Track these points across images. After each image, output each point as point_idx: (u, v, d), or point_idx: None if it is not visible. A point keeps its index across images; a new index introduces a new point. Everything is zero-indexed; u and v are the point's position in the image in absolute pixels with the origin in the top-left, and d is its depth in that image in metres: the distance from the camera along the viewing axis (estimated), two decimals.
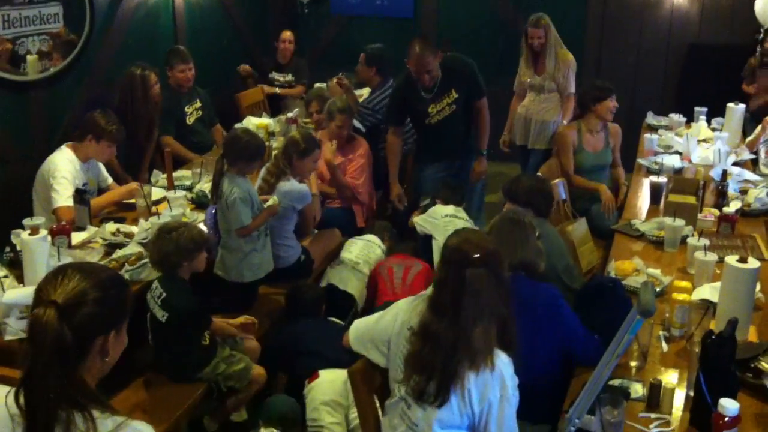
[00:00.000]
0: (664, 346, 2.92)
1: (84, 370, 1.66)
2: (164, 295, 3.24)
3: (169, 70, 5.62)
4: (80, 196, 4.07)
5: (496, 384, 2.27)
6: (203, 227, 4.07)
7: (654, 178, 4.61)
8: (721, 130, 5.70)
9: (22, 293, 3.13)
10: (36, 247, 3.32)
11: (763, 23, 6.37)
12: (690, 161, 5.22)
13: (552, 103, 5.75)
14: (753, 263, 2.90)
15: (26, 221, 3.67)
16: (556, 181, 4.65)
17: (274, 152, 4.63)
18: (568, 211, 4.67)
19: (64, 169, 4.22)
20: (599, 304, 2.99)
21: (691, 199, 4.19)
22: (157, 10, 6.43)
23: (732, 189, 4.53)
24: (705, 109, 6.13)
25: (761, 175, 4.98)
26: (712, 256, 3.38)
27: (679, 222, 3.82)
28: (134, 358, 3.40)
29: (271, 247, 4.07)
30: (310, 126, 6.03)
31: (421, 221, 4.63)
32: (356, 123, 5.61)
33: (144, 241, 3.79)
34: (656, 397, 2.53)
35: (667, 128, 6.08)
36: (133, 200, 4.40)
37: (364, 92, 6.07)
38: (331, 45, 8.32)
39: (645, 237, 3.96)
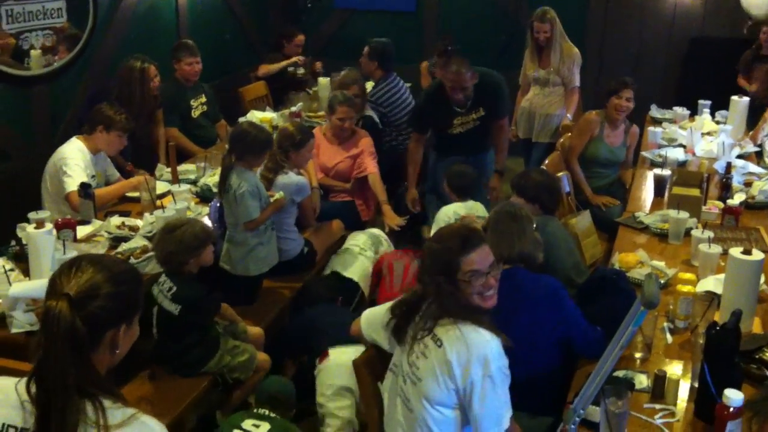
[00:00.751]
0: (669, 337, 2.92)
1: (95, 361, 1.67)
2: (174, 288, 3.24)
3: (176, 62, 5.62)
4: (84, 190, 4.08)
5: (478, 362, 2.29)
6: (207, 221, 4.09)
7: (658, 171, 4.61)
8: (725, 123, 5.70)
9: (28, 286, 3.14)
10: (41, 240, 3.33)
11: (749, 13, 6.38)
12: (694, 154, 5.22)
13: (556, 97, 5.75)
14: (757, 255, 2.91)
15: (31, 215, 3.69)
16: (560, 174, 4.65)
17: None
18: (572, 204, 4.67)
19: (75, 157, 4.25)
20: (602, 296, 3.00)
21: (695, 192, 4.19)
22: (159, 3, 6.44)
23: (736, 181, 4.53)
24: (709, 102, 6.12)
25: (765, 167, 4.97)
26: (716, 248, 3.38)
27: (683, 214, 3.82)
28: (139, 350, 3.41)
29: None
30: (315, 120, 6.04)
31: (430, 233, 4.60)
32: (372, 114, 5.63)
33: (149, 234, 3.80)
34: (661, 388, 2.54)
35: (671, 121, 6.08)
36: (137, 194, 4.41)
37: (368, 86, 6.06)
38: (332, 38, 8.31)
39: (649, 229, 3.97)
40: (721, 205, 4.13)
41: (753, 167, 4.90)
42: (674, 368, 2.70)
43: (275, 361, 3.63)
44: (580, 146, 4.98)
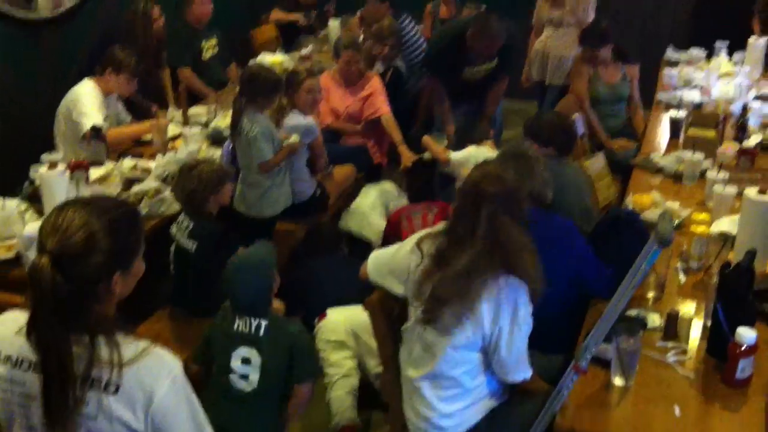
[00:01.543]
0: (682, 278, 2.92)
1: (99, 304, 1.62)
2: (191, 225, 3.25)
3: (187, 4, 5.55)
4: (95, 132, 4.08)
5: (507, 309, 2.29)
6: (225, 164, 4.08)
7: (673, 113, 4.56)
8: (742, 64, 5.61)
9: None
10: (54, 181, 3.34)
11: None
12: (710, 96, 5.13)
13: (570, 38, 5.66)
14: None
15: (44, 156, 3.69)
16: (574, 116, 4.60)
17: None
18: (587, 146, 4.63)
19: (89, 96, 4.23)
20: (616, 237, 2.99)
21: (711, 134, 4.15)
22: None
23: (752, 123, 4.47)
24: (726, 43, 6.02)
25: None
26: (731, 189, 3.36)
27: (699, 156, 3.79)
28: (157, 290, 3.44)
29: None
30: (324, 63, 5.98)
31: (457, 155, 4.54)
32: (401, 66, 5.58)
33: (162, 176, 3.81)
34: (673, 327, 2.55)
35: (688, 63, 5.98)
36: (149, 136, 4.40)
37: None
38: None
39: (664, 171, 3.94)
40: (736, 146, 4.08)
41: None
42: (687, 308, 2.70)
43: None
44: (584, 89, 4.91)
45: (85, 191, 3.50)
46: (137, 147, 4.45)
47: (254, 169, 3.87)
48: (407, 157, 4.81)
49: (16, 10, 4.76)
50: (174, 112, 4.90)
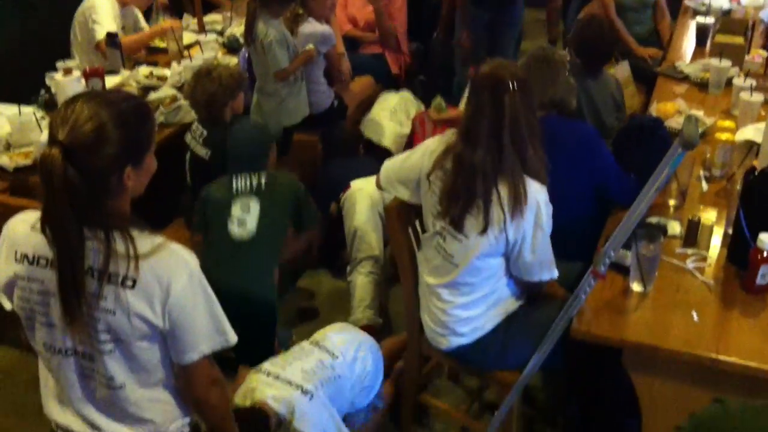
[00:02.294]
0: (704, 186, 2.88)
1: (111, 198, 1.61)
2: (206, 133, 3.23)
3: None
4: (111, 39, 4.02)
5: (531, 211, 2.26)
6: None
7: (701, 19, 4.43)
8: None
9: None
10: (70, 87, 3.33)
11: None
12: (739, 2, 4.98)
13: None
14: None
15: (59, 63, 3.65)
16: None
17: None
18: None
19: (104, 6, 4.15)
20: (638, 145, 2.93)
21: (739, 40, 4.03)
22: None
23: None
24: None
25: None
26: (758, 97, 3.28)
27: (726, 63, 3.69)
28: (174, 199, 3.45)
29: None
30: None
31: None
32: None
33: (178, 84, 3.77)
34: (694, 235, 2.52)
35: None
36: (164, 44, 4.34)
37: None
38: None
39: (689, 79, 3.85)
40: (765, 54, 3.97)
41: None
42: (708, 216, 2.66)
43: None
44: None
45: None
46: (152, 55, 4.39)
47: (270, 77, 3.81)
48: None
49: None
50: (189, 20, 4.82)
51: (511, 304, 2.46)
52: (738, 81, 3.48)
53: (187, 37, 4.48)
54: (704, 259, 2.45)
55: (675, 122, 3.28)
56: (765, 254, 2.23)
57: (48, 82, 3.62)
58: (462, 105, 4.14)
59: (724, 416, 1.19)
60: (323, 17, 4.14)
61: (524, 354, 2.36)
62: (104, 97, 1.63)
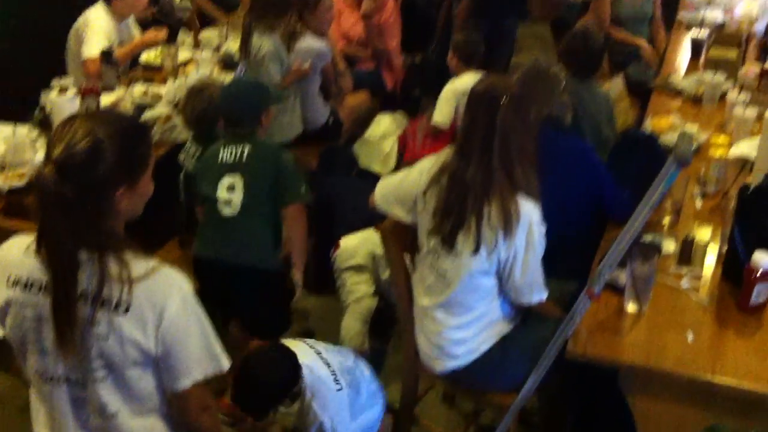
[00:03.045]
0: (699, 203, 2.88)
1: (107, 218, 1.61)
2: (200, 150, 3.23)
3: None
4: (107, 56, 4.02)
5: (523, 229, 2.26)
6: None
7: (695, 33, 4.44)
8: None
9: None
10: (65, 106, 3.32)
11: None
12: (733, 15, 4.99)
13: None
14: None
15: (55, 81, 3.65)
16: None
17: None
18: (605, 68, 4.52)
19: (98, 21, 4.13)
20: (633, 159, 2.94)
21: (733, 54, 4.05)
22: None
23: None
24: None
25: None
26: (752, 112, 3.28)
27: (719, 77, 3.70)
28: (168, 219, 3.44)
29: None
30: None
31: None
32: None
33: (173, 102, 3.76)
34: (688, 253, 2.52)
35: None
36: (159, 61, 4.33)
37: None
38: None
39: (684, 93, 3.85)
40: (759, 67, 3.97)
41: None
42: (703, 233, 2.67)
43: None
44: (607, 7, 4.75)
45: None
46: (148, 72, 4.39)
47: None
48: None
49: None
50: (185, 36, 4.82)
51: (505, 326, 2.46)
52: (732, 95, 3.49)
53: (183, 54, 4.47)
54: (699, 277, 2.45)
55: (669, 137, 3.28)
56: (760, 273, 2.23)
57: (43, 100, 3.62)
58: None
59: None
60: (321, 32, 4.15)
61: (519, 376, 2.36)
62: (102, 116, 1.66)
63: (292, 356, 2.47)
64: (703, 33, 4.41)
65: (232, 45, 4.55)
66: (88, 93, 3.63)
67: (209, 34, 4.90)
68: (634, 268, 2.28)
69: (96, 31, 4.09)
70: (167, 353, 1.63)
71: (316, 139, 4.19)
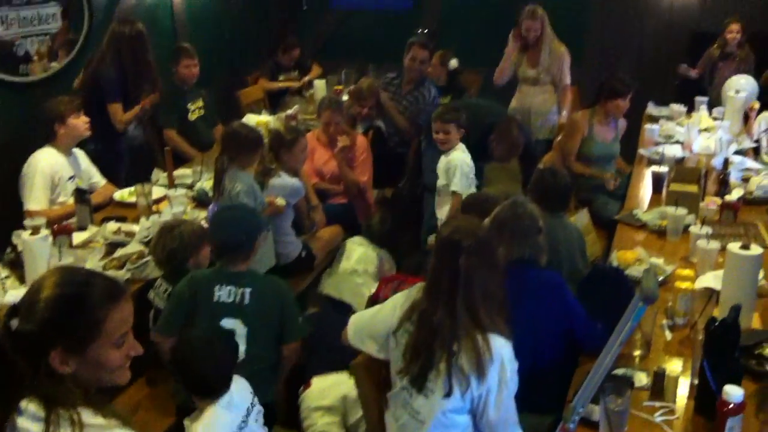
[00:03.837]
0: (668, 334, 2.91)
1: (49, 377, 1.57)
2: (170, 289, 3.23)
3: (174, 66, 5.61)
4: (81, 195, 4.06)
5: (495, 368, 2.27)
6: (206, 226, 4.07)
7: (656, 168, 4.60)
8: (722, 119, 5.68)
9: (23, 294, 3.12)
10: (37, 247, 3.32)
11: None
12: (691, 150, 5.20)
13: (549, 94, 5.73)
14: (756, 250, 2.89)
15: (27, 221, 3.66)
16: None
17: None
18: (570, 202, 4.65)
19: (40, 167, 4.17)
20: (601, 293, 2.98)
21: (693, 188, 4.18)
22: (155, 7, 6.43)
23: (734, 177, 4.51)
24: (706, 99, 6.14)
25: (763, 163, 4.97)
26: (715, 244, 3.36)
27: (682, 211, 3.81)
28: (136, 357, 3.38)
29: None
30: (311, 123, 6.02)
31: None
32: (381, 125, 5.60)
33: (145, 239, 3.79)
34: (660, 386, 2.52)
35: (668, 118, 6.07)
36: (134, 198, 4.37)
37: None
38: (330, 39, 8.29)
39: (647, 227, 3.95)
40: (719, 200, 4.11)
41: (750, 163, 4.90)
42: (674, 365, 2.69)
43: None
44: (575, 147, 4.96)
45: (68, 256, 3.47)
46: (121, 209, 4.43)
47: None
48: None
49: (5, 75, 4.81)
50: (159, 174, 4.90)
51: None
52: (695, 228, 3.58)
53: (157, 191, 4.53)
54: (672, 411, 2.45)
55: (636, 270, 3.34)
56: (731, 406, 2.23)
57: (14, 240, 3.62)
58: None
59: None
60: (294, 171, 4.26)
61: None
62: (68, 272, 1.67)
63: None
64: (663, 168, 4.56)
65: (207, 183, 4.63)
66: (61, 232, 3.65)
67: (183, 172, 4.98)
68: (607, 403, 2.27)
69: (37, 177, 4.13)
70: None
71: (290, 273, 4.21)
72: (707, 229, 3.52)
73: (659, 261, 3.46)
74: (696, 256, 3.44)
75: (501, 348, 2.29)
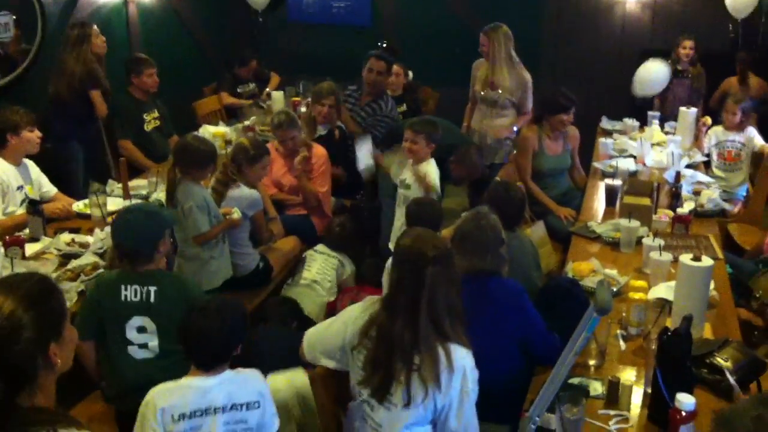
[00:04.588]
0: (622, 344, 2.95)
1: (37, 388, 1.58)
2: None
3: (134, 76, 5.55)
4: (33, 207, 4.00)
5: (457, 378, 2.28)
6: None
7: (609, 181, 4.67)
8: (674, 134, 5.80)
9: None
10: None
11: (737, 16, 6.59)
12: (644, 164, 5.29)
13: (506, 119, 5.69)
14: (707, 262, 2.95)
15: None
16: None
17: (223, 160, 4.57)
18: (527, 215, 4.70)
19: None
20: (557, 305, 3.02)
21: (646, 201, 4.25)
22: (110, 18, 6.37)
23: (685, 190, 4.60)
24: (658, 114, 6.26)
25: (713, 176, 5.09)
26: (667, 256, 3.43)
27: (635, 223, 3.87)
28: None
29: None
30: (269, 134, 5.99)
31: None
32: (343, 126, 5.61)
33: (100, 251, 3.74)
34: (615, 395, 2.56)
35: (622, 132, 6.17)
36: (88, 210, 4.32)
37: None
38: (287, 52, 8.28)
39: (601, 239, 4.01)
40: (671, 213, 4.19)
41: (701, 176, 5.02)
42: (628, 374, 2.73)
43: None
44: (528, 163, 5.01)
45: (21, 267, 3.41)
46: (75, 221, 4.36)
47: (190, 241, 3.82)
48: None
49: None
50: (114, 185, 4.85)
51: None
52: (647, 241, 3.64)
53: (112, 203, 4.48)
54: (626, 420, 2.49)
55: (590, 281, 3.39)
56: (684, 414, 2.27)
57: None
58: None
59: None
60: (253, 185, 4.24)
61: None
62: (4, 284, 1.65)
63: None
64: (616, 182, 4.63)
65: (162, 194, 4.58)
66: (12, 244, 3.59)
67: (138, 183, 4.93)
68: (563, 411, 2.30)
69: None
70: None
71: (247, 285, 4.18)
72: (660, 241, 3.58)
73: (613, 272, 3.52)
74: (649, 267, 3.50)
75: (462, 358, 2.30)
